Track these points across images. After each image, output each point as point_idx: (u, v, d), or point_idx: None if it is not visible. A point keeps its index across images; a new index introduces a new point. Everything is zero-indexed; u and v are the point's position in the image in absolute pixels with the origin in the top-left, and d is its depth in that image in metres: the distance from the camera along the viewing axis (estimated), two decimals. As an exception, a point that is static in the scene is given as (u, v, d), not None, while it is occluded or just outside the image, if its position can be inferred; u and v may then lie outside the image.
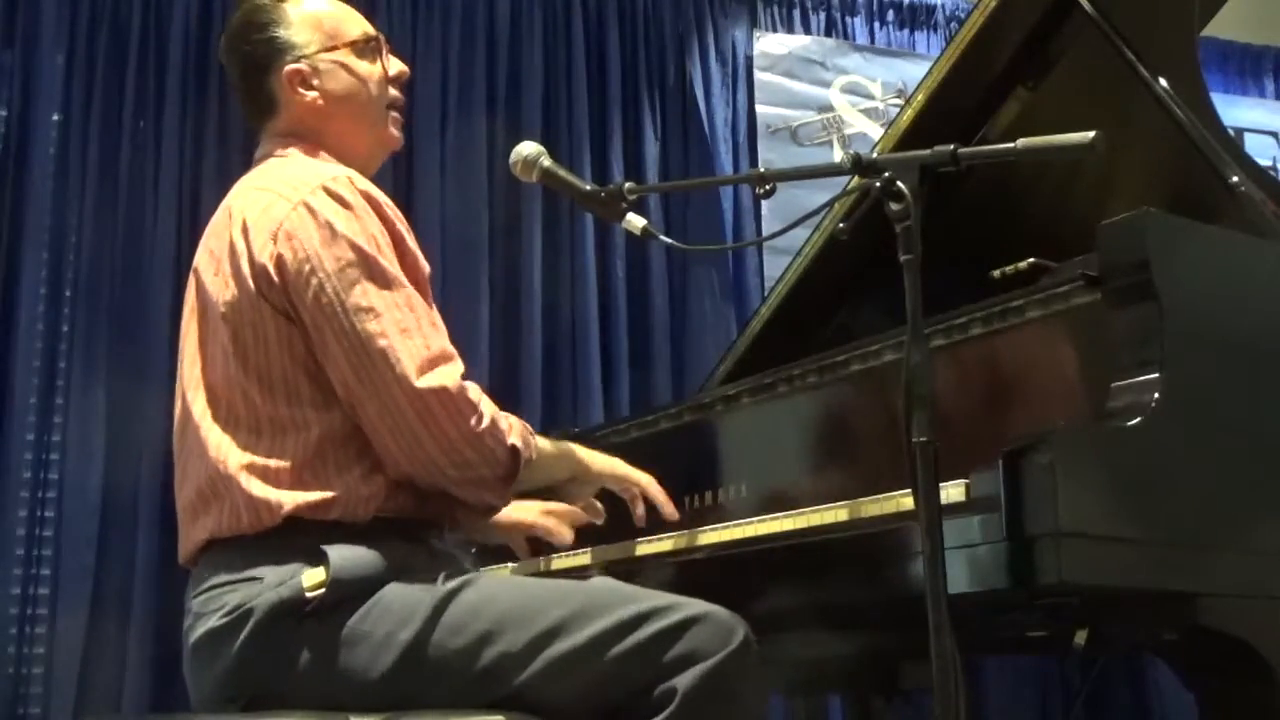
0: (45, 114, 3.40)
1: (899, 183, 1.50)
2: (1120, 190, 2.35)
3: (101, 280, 3.37)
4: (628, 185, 1.86)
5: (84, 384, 3.28)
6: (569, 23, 3.98)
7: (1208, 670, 1.75)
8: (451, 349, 1.69)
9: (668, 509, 1.97)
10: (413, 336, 1.65)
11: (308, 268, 1.65)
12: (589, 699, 1.55)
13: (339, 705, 1.55)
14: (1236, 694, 1.69)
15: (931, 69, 2.45)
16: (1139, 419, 1.58)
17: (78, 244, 3.37)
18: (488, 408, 1.67)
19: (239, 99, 1.91)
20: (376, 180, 1.81)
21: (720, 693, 1.53)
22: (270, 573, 1.60)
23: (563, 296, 3.79)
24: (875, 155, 1.61)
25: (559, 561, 2.13)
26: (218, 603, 1.62)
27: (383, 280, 1.66)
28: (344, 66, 1.84)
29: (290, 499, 1.62)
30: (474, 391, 1.67)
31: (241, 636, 1.59)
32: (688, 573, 1.91)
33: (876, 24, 4.46)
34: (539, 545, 2.11)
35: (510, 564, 2.22)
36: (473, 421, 1.65)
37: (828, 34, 4.39)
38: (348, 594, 1.59)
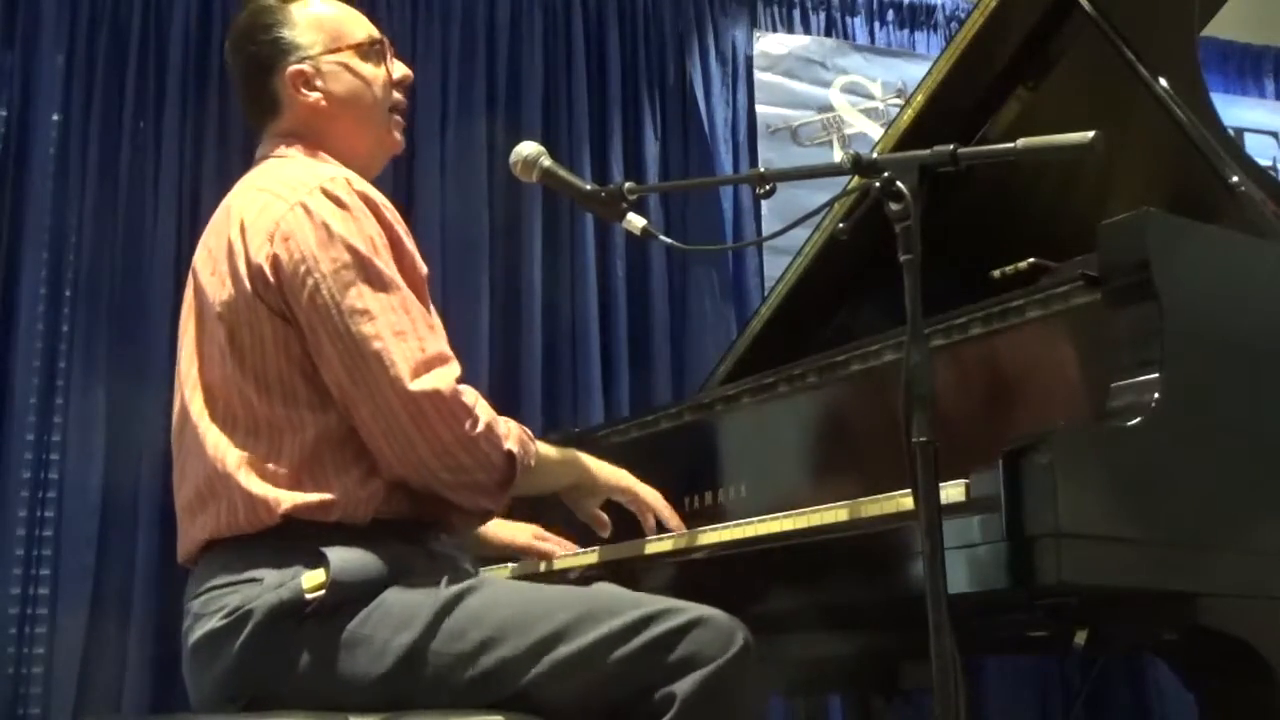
0: (45, 114, 3.40)
1: (899, 183, 1.50)
2: (1120, 190, 2.35)
3: (101, 280, 3.36)
4: (628, 185, 1.86)
5: (84, 384, 3.28)
6: (569, 23, 3.98)
7: (1208, 670, 1.75)
8: (448, 352, 1.69)
9: (672, 523, 1.97)
10: (407, 339, 1.64)
11: (303, 268, 1.65)
12: (590, 702, 1.55)
13: (338, 706, 1.55)
14: (1236, 694, 1.69)
15: (931, 69, 2.45)
16: (1139, 419, 1.58)
17: (78, 244, 3.37)
18: (484, 412, 1.67)
19: (241, 99, 1.91)
20: (376, 181, 1.81)
21: (719, 697, 1.53)
22: (270, 574, 1.60)
23: (563, 296, 3.79)
24: (875, 155, 1.61)
25: (560, 561, 2.13)
26: (217, 604, 1.62)
27: (378, 282, 1.66)
28: (348, 68, 1.85)
29: (289, 498, 1.62)
30: (469, 395, 1.67)
31: (241, 638, 1.59)
32: (687, 573, 1.91)
33: (876, 24, 4.46)
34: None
35: (510, 564, 2.22)
36: (467, 425, 1.64)
37: (828, 34, 4.39)
38: (348, 596, 1.59)
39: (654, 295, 3.90)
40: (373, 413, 1.63)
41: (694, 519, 2.08)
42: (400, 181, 3.53)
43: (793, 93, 4.25)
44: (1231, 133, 2.65)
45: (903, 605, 1.65)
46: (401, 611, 1.59)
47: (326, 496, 1.63)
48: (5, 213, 3.32)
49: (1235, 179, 2.06)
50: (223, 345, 1.69)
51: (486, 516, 1.80)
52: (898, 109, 2.87)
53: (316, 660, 1.58)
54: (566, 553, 2.13)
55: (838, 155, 4.18)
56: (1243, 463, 1.70)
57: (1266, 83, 4.93)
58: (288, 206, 1.68)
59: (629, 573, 1.92)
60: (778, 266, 2.99)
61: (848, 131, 4.28)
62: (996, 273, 2.04)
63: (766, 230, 3.94)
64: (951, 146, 1.54)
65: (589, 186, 1.90)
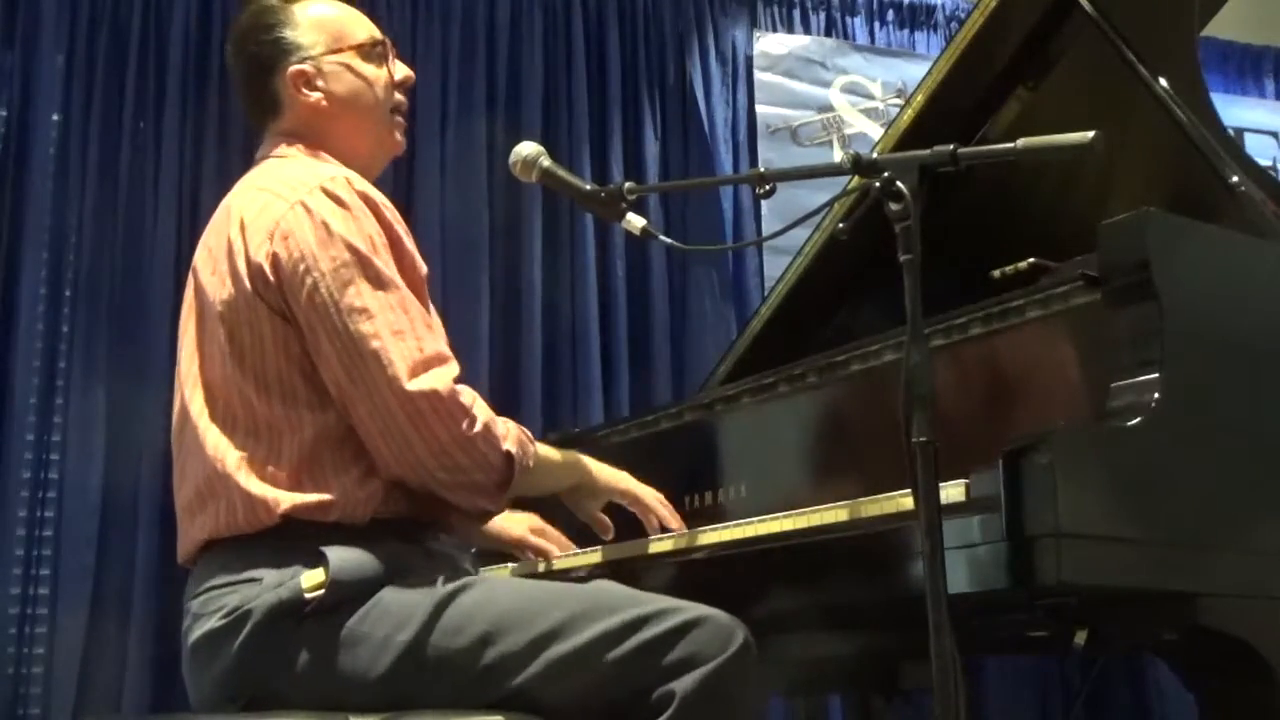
0: (45, 114, 3.40)
1: (899, 183, 1.50)
2: (1120, 190, 2.35)
3: (101, 280, 3.36)
4: (628, 185, 1.86)
5: (84, 384, 3.28)
6: (569, 23, 3.98)
7: (1208, 670, 1.75)
8: (446, 351, 1.69)
9: (673, 524, 1.97)
10: (405, 338, 1.64)
11: (303, 267, 1.65)
12: (588, 701, 1.55)
13: (338, 706, 1.55)
14: (1236, 694, 1.69)
15: (931, 69, 2.45)
16: (1139, 419, 1.58)
17: (78, 244, 3.37)
18: (481, 412, 1.67)
19: (242, 99, 1.91)
20: (376, 181, 1.81)
21: (718, 696, 1.53)
22: (269, 574, 1.60)
23: (563, 296, 3.79)
24: (875, 155, 1.61)
25: (560, 562, 2.13)
26: (216, 604, 1.62)
27: (377, 281, 1.66)
28: (349, 69, 1.85)
29: (288, 498, 1.62)
30: (467, 395, 1.66)
31: (240, 637, 1.59)
32: (687, 573, 1.91)
33: (876, 24, 4.46)
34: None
35: (510, 564, 2.22)
36: (464, 425, 1.64)
37: (828, 34, 4.39)
38: (347, 595, 1.59)
39: (654, 295, 3.90)
40: (370, 412, 1.63)
41: (694, 519, 2.08)
42: (400, 181, 3.53)
43: (793, 93, 4.25)
44: (1231, 133, 2.65)
45: (903, 605, 1.65)
46: (400, 609, 1.59)
47: (325, 497, 1.63)
48: (5, 213, 3.33)
49: (1235, 179, 2.06)
50: (223, 345, 1.69)
51: (485, 517, 1.80)
52: (898, 109, 2.87)
53: (316, 659, 1.58)
54: (563, 552, 2.13)
55: (838, 155, 4.18)
56: (1243, 463, 1.70)
57: (1266, 83, 4.93)
58: (288, 205, 1.69)
59: (629, 573, 1.92)
60: (778, 266, 2.99)
61: (848, 131, 4.28)
62: (996, 273, 2.04)
63: (766, 230, 3.94)
64: (951, 146, 1.54)
65: (589, 186, 1.90)
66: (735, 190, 4.05)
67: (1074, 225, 1.89)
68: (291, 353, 1.67)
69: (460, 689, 1.56)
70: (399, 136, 1.91)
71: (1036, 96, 2.42)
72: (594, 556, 2.06)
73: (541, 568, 2.15)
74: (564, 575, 2.09)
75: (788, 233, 1.89)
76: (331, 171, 1.74)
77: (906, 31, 4.49)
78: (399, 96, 1.90)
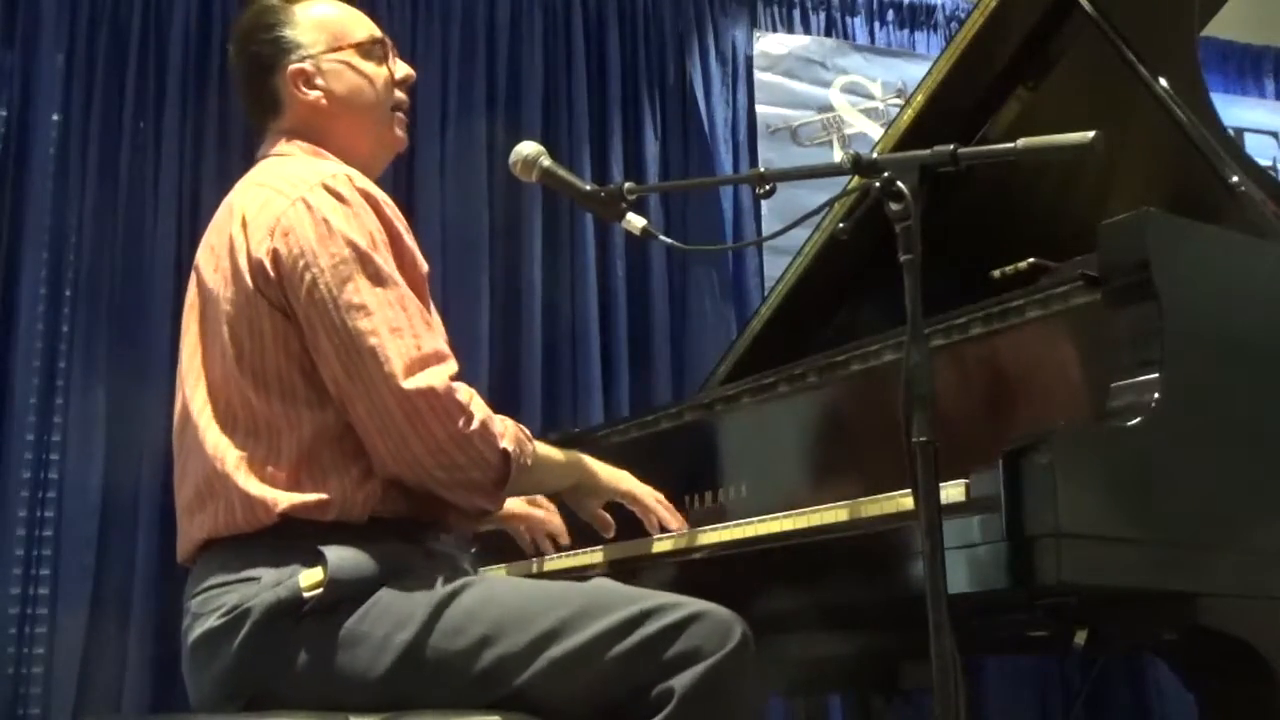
0: (45, 114, 3.40)
1: (899, 183, 1.50)
2: (1120, 190, 2.35)
3: (101, 280, 3.37)
4: (628, 185, 1.86)
5: (84, 384, 3.28)
6: (569, 23, 3.98)
7: (1208, 670, 1.75)
8: (445, 349, 1.69)
9: (674, 523, 1.97)
10: (403, 336, 1.64)
11: (302, 263, 1.65)
12: (589, 699, 1.55)
13: (338, 705, 1.55)
14: (1236, 694, 1.69)
15: (931, 69, 2.45)
16: (1139, 419, 1.58)
17: (78, 244, 3.37)
18: (479, 410, 1.67)
19: (243, 98, 1.91)
20: (376, 180, 1.81)
21: (718, 691, 1.53)
22: (267, 573, 1.60)
23: (563, 296, 3.79)
24: (875, 155, 1.61)
25: (558, 562, 2.13)
26: (215, 603, 1.62)
27: (377, 278, 1.66)
28: (349, 66, 1.85)
29: (286, 498, 1.62)
30: (464, 393, 1.66)
31: (239, 637, 1.59)
32: (688, 573, 1.91)
33: (876, 24, 4.46)
34: (538, 546, 2.12)
35: (505, 564, 2.22)
36: (460, 423, 1.64)
37: (828, 34, 4.39)
38: (345, 595, 1.58)
39: (654, 295, 3.90)
40: (368, 409, 1.63)
41: (694, 519, 2.08)
42: (400, 181, 3.53)
43: (793, 93, 4.25)
44: (1231, 133, 2.65)
45: (903, 605, 1.65)
46: (399, 609, 1.59)
47: (323, 496, 1.63)
48: (5, 213, 3.33)
49: (1235, 179, 2.06)
50: (224, 342, 1.69)
51: (483, 516, 1.80)
52: (898, 109, 2.87)
53: (315, 659, 1.58)
54: (557, 529, 2.12)
55: (838, 155, 4.18)
56: (1243, 463, 1.70)
57: (1266, 83, 4.93)
58: (289, 202, 1.69)
59: (630, 572, 1.92)
60: (778, 266, 2.99)
61: (848, 131, 4.28)
62: (996, 273, 2.04)
63: (766, 230, 3.94)
64: (951, 146, 1.54)
65: (589, 186, 1.90)
66: (735, 190, 4.05)
67: (1074, 225, 1.89)
68: (291, 350, 1.67)
69: (460, 689, 1.56)
70: (400, 132, 1.91)
71: (1036, 96, 2.42)
72: (594, 556, 2.07)
73: (535, 569, 2.15)
74: (564, 575, 2.09)
75: (788, 233, 1.89)
76: (333, 169, 1.74)
77: (906, 31, 4.49)
78: (400, 94, 1.90)
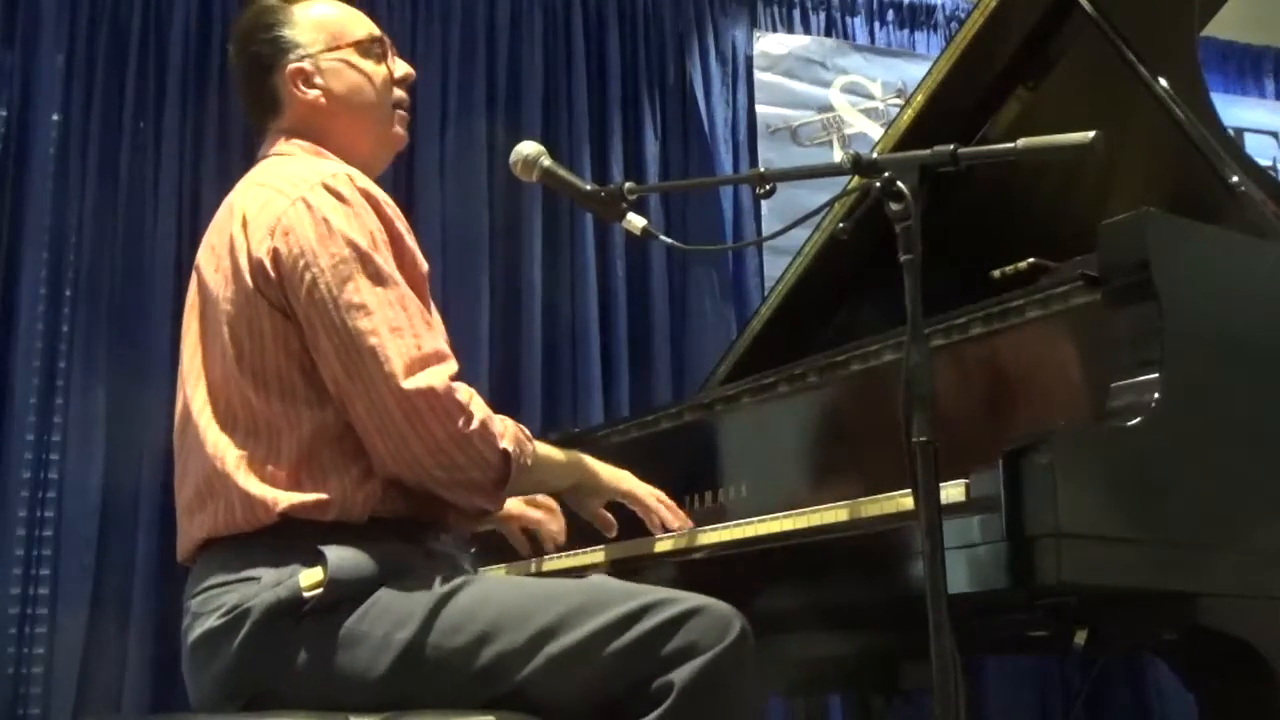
0: (45, 114, 3.40)
1: (899, 183, 1.50)
2: (1120, 190, 2.35)
3: (101, 280, 3.37)
4: (628, 185, 1.86)
5: (84, 384, 3.28)
6: (569, 23, 3.98)
7: (1208, 670, 1.75)
8: (445, 349, 1.69)
9: (676, 523, 1.97)
10: (403, 335, 1.64)
11: (302, 263, 1.65)
12: (589, 695, 1.55)
13: (337, 705, 1.55)
14: (1236, 694, 1.69)
15: (931, 69, 2.45)
16: (1139, 419, 1.58)
17: (78, 244, 3.37)
18: (479, 410, 1.67)
19: (243, 98, 1.91)
20: (376, 180, 1.81)
21: (717, 685, 1.53)
22: (267, 573, 1.60)
23: (563, 296, 3.79)
24: (875, 155, 1.61)
25: (557, 562, 2.13)
26: (215, 603, 1.62)
27: (377, 277, 1.66)
28: (349, 65, 1.85)
29: (286, 498, 1.62)
30: (463, 393, 1.66)
31: (239, 637, 1.59)
32: (688, 572, 1.91)
33: (876, 24, 4.47)
34: (538, 546, 2.12)
35: (505, 565, 2.22)
36: (460, 423, 1.64)
37: (828, 34, 4.39)
38: (345, 594, 1.58)
39: (654, 295, 3.90)
40: (367, 409, 1.63)
41: (694, 519, 2.08)
42: (400, 181, 3.53)
43: (793, 93, 4.25)
44: (1231, 133, 2.65)
45: (903, 605, 1.65)
46: (398, 609, 1.59)
47: (323, 496, 1.63)
48: (5, 213, 3.33)
49: (1235, 179, 2.06)
50: (224, 342, 1.69)
51: (482, 516, 1.80)
52: (898, 109, 2.87)
53: (315, 658, 1.58)
54: (557, 532, 2.11)
55: (838, 155, 4.18)
56: (1243, 463, 1.70)
57: (1266, 83, 4.93)
58: (289, 201, 1.69)
59: (630, 572, 1.92)
60: (778, 266, 3.00)
61: (848, 131, 4.28)
62: (996, 273, 2.04)
63: (766, 230, 3.94)
64: (951, 146, 1.54)
65: (589, 186, 1.90)
66: (735, 190, 4.05)
67: (1074, 225, 1.89)
68: (291, 349, 1.67)
69: (460, 687, 1.56)
70: (400, 130, 1.90)
71: (1036, 96, 2.42)
72: (595, 556, 2.07)
73: (533, 569, 2.15)
74: (565, 575, 2.09)
75: (788, 233, 1.89)
76: (333, 168, 1.74)
77: (906, 31, 4.49)
78: (400, 93, 1.90)
